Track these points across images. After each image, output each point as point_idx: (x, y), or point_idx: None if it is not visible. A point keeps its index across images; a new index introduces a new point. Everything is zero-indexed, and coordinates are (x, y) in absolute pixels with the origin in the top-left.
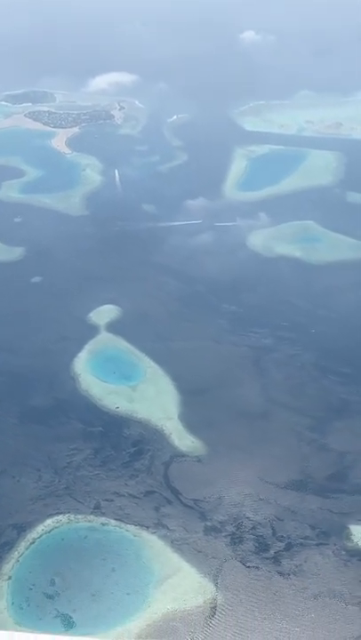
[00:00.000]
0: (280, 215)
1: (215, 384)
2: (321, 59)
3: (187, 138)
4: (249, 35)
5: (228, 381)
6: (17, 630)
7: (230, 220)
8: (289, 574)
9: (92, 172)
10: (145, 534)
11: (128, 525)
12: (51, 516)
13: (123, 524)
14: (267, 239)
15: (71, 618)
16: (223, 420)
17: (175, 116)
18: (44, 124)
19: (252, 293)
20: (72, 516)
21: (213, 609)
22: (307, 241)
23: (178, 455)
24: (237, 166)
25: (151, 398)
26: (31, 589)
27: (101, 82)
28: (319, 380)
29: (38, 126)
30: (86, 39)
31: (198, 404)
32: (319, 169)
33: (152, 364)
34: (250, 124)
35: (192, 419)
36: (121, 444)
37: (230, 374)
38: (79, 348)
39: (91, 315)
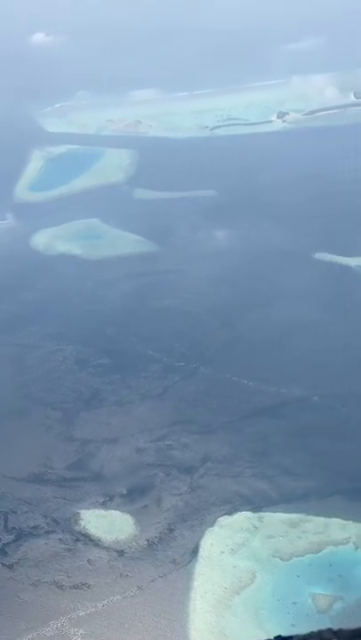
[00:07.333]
0: (67, 214)
1: None
2: (123, 56)
3: None
4: (39, 37)
5: None
6: None
7: (15, 221)
8: (12, 565)
9: None
10: None
11: None
12: None
13: None
14: (50, 238)
15: None
16: None
17: None
18: None
19: (29, 292)
20: None
21: None
22: (88, 238)
23: None
24: (33, 167)
25: None
26: None
27: None
28: (76, 373)
29: None
30: None
31: None
32: (112, 167)
33: None
34: (52, 126)
35: None
36: None
37: None
38: None
39: None
